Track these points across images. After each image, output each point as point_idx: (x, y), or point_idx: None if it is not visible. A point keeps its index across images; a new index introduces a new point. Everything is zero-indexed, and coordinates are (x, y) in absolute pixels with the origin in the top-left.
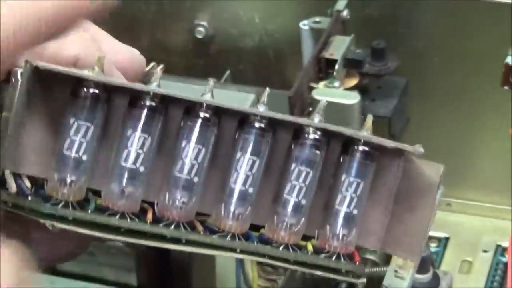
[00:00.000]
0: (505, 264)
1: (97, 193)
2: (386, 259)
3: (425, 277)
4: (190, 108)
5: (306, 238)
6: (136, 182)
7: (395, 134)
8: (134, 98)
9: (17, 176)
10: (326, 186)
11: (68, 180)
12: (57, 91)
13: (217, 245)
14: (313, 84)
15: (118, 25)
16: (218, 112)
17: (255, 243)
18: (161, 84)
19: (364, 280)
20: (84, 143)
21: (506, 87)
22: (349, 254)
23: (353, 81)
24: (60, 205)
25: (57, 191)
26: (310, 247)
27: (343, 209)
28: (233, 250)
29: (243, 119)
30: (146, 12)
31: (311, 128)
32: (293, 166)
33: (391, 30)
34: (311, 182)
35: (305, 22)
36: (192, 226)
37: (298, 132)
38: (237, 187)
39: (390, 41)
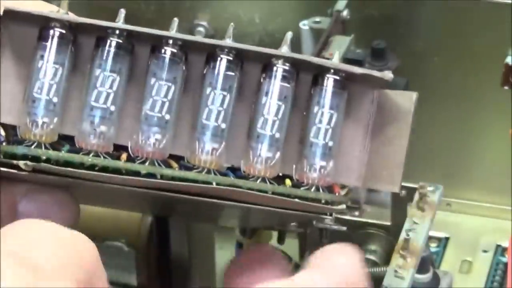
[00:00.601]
0: (505, 264)
1: (71, 141)
2: (386, 259)
3: (425, 277)
4: (157, 45)
5: (283, 178)
6: (108, 121)
7: None
8: (101, 37)
9: None
10: (299, 121)
11: (40, 121)
12: (24, 36)
13: (192, 178)
14: None
15: None
16: (185, 48)
17: (231, 177)
18: None
19: (343, 206)
20: (54, 85)
21: (506, 87)
22: (328, 186)
23: None
24: (33, 146)
25: (29, 133)
26: (288, 182)
27: (318, 141)
28: (208, 183)
29: (210, 54)
30: (146, 12)
31: (279, 60)
32: (264, 100)
33: (391, 30)
34: (283, 115)
35: (305, 22)
36: (167, 164)
37: (267, 66)
38: (211, 124)
39: (390, 41)
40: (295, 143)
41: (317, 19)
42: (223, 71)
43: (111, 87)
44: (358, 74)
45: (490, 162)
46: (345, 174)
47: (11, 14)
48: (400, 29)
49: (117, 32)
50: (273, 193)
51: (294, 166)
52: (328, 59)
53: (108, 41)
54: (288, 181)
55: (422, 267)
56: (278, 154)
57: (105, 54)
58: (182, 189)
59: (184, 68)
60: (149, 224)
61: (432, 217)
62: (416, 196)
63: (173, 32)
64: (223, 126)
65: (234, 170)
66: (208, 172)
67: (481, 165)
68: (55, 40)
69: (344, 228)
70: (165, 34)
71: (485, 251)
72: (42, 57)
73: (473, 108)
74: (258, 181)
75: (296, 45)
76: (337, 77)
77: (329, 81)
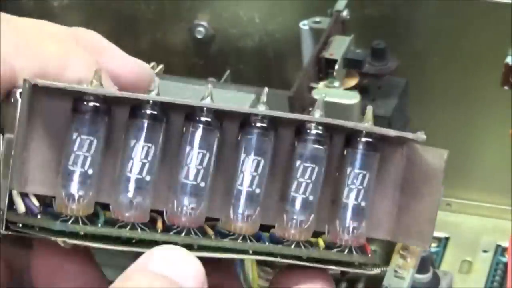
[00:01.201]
0: (505, 264)
1: (105, 207)
2: (386, 259)
3: (425, 277)
4: (191, 113)
5: (316, 235)
6: (143, 191)
7: None
8: (135, 107)
9: (24, 196)
10: (332, 181)
11: (76, 195)
12: (58, 108)
13: (229, 248)
14: (313, 84)
15: (118, 25)
16: (219, 115)
17: (266, 243)
18: (161, 84)
19: (378, 270)
20: (89, 157)
21: (506, 87)
22: (360, 246)
23: (353, 81)
24: (70, 221)
25: (66, 207)
26: (321, 243)
27: (351, 202)
28: (245, 252)
29: (244, 120)
30: (146, 12)
31: (312, 124)
32: (297, 163)
33: (391, 30)
34: (317, 178)
35: (305, 22)
36: (202, 231)
37: (300, 129)
38: (244, 189)
39: (390, 41)
40: (327, 203)
41: (317, 19)
42: (256, 137)
43: (146, 157)
44: (392, 136)
45: (490, 162)
46: (375, 228)
47: (44, 89)
48: (400, 29)
49: (151, 102)
50: (307, 258)
51: (326, 226)
52: (328, 59)
53: (143, 111)
54: (321, 242)
55: (422, 267)
56: (312, 217)
57: (140, 125)
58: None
59: (218, 135)
60: None
61: None
62: None
63: (207, 101)
64: (258, 191)
65: (265, 229)
66: (244, 238)
67: (481, 165)
68: (90, 112)
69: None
70: (199, 104)
71: (485, 251)
72: (77, 129)
73: (473, 108)
74: (293, 245)
75: (296, 45)
76: (370, 140)
77: (362, 144)
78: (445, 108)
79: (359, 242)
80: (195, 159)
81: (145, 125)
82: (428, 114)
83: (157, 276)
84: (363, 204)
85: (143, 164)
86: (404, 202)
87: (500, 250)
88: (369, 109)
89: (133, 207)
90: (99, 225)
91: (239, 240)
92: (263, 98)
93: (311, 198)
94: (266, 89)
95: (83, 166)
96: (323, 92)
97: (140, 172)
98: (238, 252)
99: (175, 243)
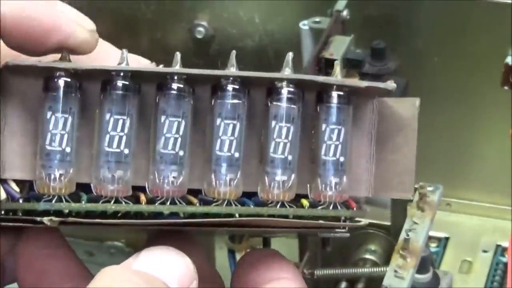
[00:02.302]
0: (505, 264)
1: (85, 189)
2: (386, 259)
3: (425, 277)
4: (162, 82)
5: (299, 198)
6: (124, 165)
7: None
8: (106, 80)
9: (3, 183)
10: (309, 141)
11: (57, 174)
12: (30, 89)
13: (216, 213)
14: None
15: (118, 25)
16: (190, 82)
17: (252, 206)
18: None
19: (367, 221)
20: (66, 135)
21: (506, 87)
22: (344, 202)
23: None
24: (53, 200)
25: (47, 187)
26: (305, 203)
27: (329, 158)
28: (231, 215)
29: (216, 85)
30: (146, 12)
31: (283, 83)
32: (273, 124)
33: (391, 30)
34: (294, 137)
35: (305, 22)
36: (186, 201)
37: (271, 89)
38: (223, 154)
39: (390, 41)
40: (307, 163)
41: (317, 19)
42: (230, 100)
43: (122, 130)
44: (362, 87)
45: (490, 162)
46: (355, 186)
47: (11, 68)
48: (400, 29)
49: (122, 74)
50: (294, 216)
51: (308, 185)
52: (328, 59)
53: (114, 83)
54: (305, 202)
55: (422, 267)
56: (293, 176)
57: (113, 97)
58: (205, 223)
59: (191, 101)
60: None
61: (432, 217)
62: (416, 196)
63: (177, 67)
64: (237, 155)
65: (250, 196)
66: (229, 203)
67: (481, 165)
68: (62, 89)
69: (348, 235)
70: (169, 70)
71: (485, 251)
72: (50, 108)
73: (473, 108)
74: (278, 206)
75: (296, 45)
76: (342, 93)
77: (334, 98)
78: (445, 108)
79: (342, 197)
80: (171, 127)
81: (118, 97)
82: (428, 114)
83: (138, 273)
84: (342, 159)
85: (120, 138)
86: (381, 155)
87: (500, 250)
88: (337, 64)
89: (115, 181)
90: (83, 202)
91: (224, 205)
92: (232, 61)
93: (290, 157)
94: (233, 52)
95: (60, 144)
96: None
97: (118, 146)
98: (225, 217)
99: (161, 214)
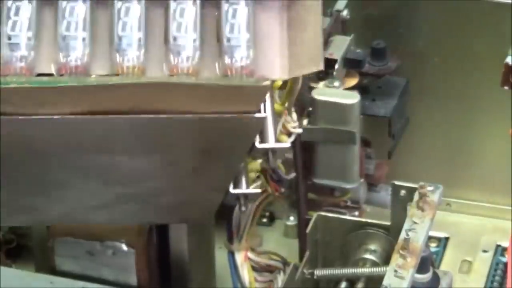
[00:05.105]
0: (505, 264)
1: None
2: (386, 259)
3: (425, 277)
4: None
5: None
6: (27, 46)
7: (395, 134)
8: None
9: None
10: (215, 22)
11: None
12: None
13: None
14: (313, 84)
15: None
16: None
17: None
18: None
19: (268, 82)
20: None
21: (506, 87)
22: (253, 75)
23: (353, 81)
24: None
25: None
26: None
27: (235, 36)
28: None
29: None
30: None
31: None
32: (174, 5)
33: (391, 30)
34: (195, 17)
35: None
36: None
37: None
38: (125, 35)
39: (390, 41)
40: (213, 43)
41: None
42: None
43: (16, 14)
44: None
45: (490, 162)
46: (269, 67)
47: None
48: (400, 29)
49: None
50: (195, 85)
51: (217, 64)
52: (328, 58)
53: None
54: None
55: (422, 267)
56: (197, 53)
57: None
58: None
59: None
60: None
61: (432, 217)
62: (416, 196)
63: None
64: (140, 35)
65: None
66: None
67: (481, 165)
68: None
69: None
70: None
71: (485, 251)
72: None
73: (473, 108)
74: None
75: None
76: None
77: None
78: (445, 108)
79: (251, 71)
80: (73, 11)
81: None
82: (428, 114)
83: None
84: (247, 36)
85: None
86: (292, 37)
87: (500, 250)
88: None
89: (18, 59)
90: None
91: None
92: None
93: (194, 35)
94: None
95: None
96: (323, 93)
97: (21, 29)
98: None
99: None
